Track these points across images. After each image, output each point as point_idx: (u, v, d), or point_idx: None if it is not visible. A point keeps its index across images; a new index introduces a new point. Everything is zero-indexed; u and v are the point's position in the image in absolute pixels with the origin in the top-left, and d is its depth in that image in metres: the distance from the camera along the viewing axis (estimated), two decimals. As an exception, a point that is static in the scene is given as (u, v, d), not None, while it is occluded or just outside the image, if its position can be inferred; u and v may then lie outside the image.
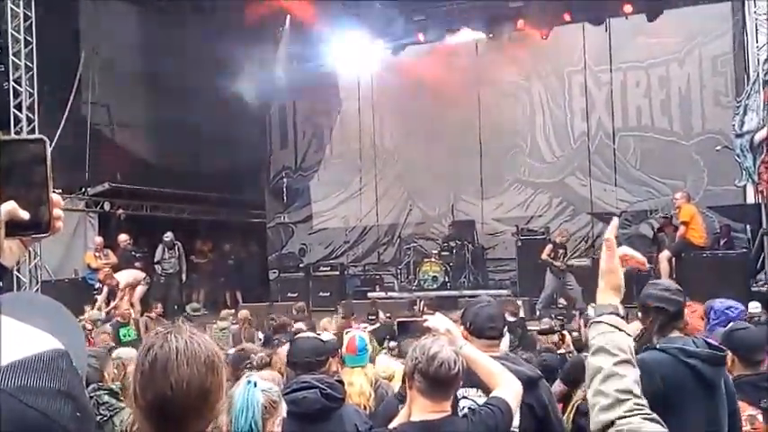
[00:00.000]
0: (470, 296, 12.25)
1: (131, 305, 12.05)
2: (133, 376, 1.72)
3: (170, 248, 14.54)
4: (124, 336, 10.29)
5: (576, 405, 3.91)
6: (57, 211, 1.17)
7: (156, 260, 14.59)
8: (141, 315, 12.02)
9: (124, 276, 12.62)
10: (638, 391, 1.89)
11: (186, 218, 16.78)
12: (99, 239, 13.99)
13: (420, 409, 2.77)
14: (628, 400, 1.85)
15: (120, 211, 14.93)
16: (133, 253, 14.02)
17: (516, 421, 3.16)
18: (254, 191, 19.13)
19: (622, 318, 2.03)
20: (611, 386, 1.87)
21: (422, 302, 12.43)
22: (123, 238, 14.13)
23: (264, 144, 19.34)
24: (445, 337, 2.96)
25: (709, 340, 3.42)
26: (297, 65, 18.63)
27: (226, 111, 16.89)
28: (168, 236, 14.56)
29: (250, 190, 18.98)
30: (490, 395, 2.92)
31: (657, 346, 3.34)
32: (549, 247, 13.38)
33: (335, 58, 18.08)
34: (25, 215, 1.13)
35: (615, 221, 2.19)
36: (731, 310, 4.93)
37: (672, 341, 3.31)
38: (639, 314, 3.59)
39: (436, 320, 3.19)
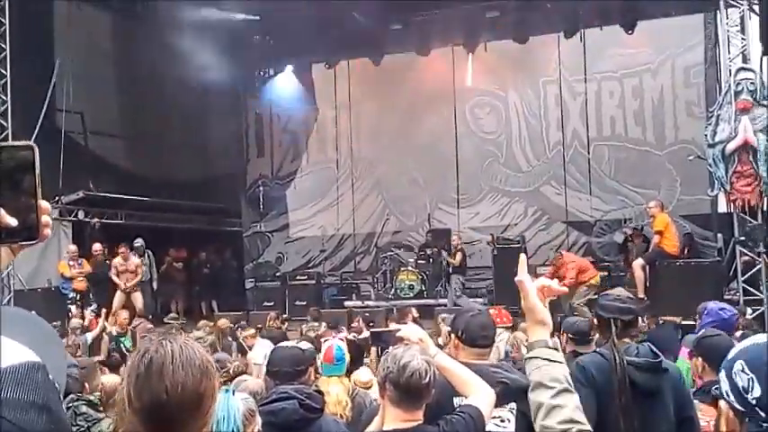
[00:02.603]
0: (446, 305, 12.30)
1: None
2: (126, 380, 1.71)
3: (140, 256, 14.38)
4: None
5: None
6: (45, 218, 1.17)
7: None
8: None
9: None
10: (579, 416, 1.95)
11: (161, 226, 16.65)
12: (73, 248, 13.84)
13: (392, 418, 2.78)
14: (571, 429, 1.91)
15: (95, 219, 14.75)
16: (107, 262, 13.89)
17: (512, 427, 3.21)
18: (230, 199, 19.03)
19: (554, 348, 2.09)
20: (553, 419, 1.94)
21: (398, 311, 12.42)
22: (97, 246, 14.00)
23: (241, 152, 19.29)
24: (418, 346, 2.97)
25: (655, 349, 3.50)
26: (274, 73, 18.71)
27: (202, 118, 16.85)
28: (138, 242, 14.39)
29: (226, 198, 18.89)
30: (463, 403, 2.93)
31: (598, 351, 3.54)
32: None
33: (312, 65, 18.15)
34: (13, 222, 1.13)
35: (522, 258, 2.25)
36: (724, 311, 5.07)
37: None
38: (596, 322, 3.69)
39: (409, 330, 3.20)
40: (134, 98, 16.15)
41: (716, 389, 1.72)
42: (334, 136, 18.72)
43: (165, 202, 16.67)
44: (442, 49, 16.99)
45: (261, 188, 18.86)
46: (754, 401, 1.59)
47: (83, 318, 12.29)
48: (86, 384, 5.06)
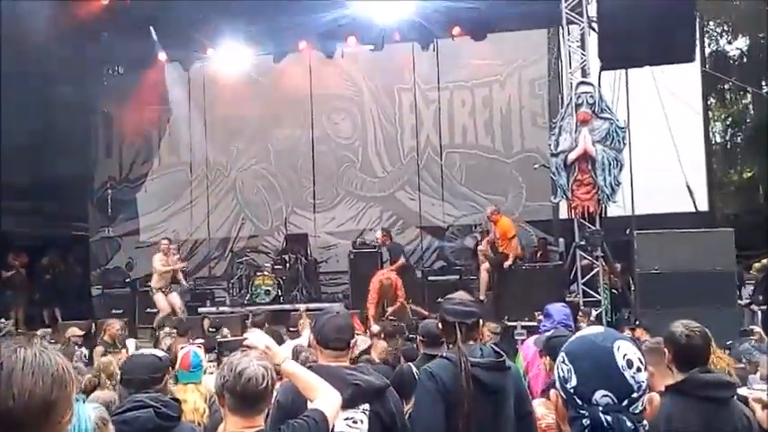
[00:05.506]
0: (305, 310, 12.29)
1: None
2: None
3: None
4: None
5: (408, 413, 4.05)
6: None
7: None
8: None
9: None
10: None
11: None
12: None
13: (232, 425, 2.76)
14: None
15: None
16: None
17: (365, 428, 3.28)
18: (76, 202, 18.13)
19: None
20: None
21: (254, 317, 12.28)
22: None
23: (88, 153, 18.42)
24: (265, 353, 2.97)
25: (497, 348, 3.69)
26: (124, 71, 18.05)
27: (44, 116, 15.96)
28: None
29: (72, 201, 17.96)
30: (309, 407, 2.96)
31: (444, 355, 3.66)
32: None
33: (165, 67, 17.66)
34: None
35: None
36: (557, 311, 5.40)
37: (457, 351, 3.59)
38: (440, 326, 3.80)
39: (255, 338, 3.19)
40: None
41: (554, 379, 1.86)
42: (187, 138, 18.28)
43: (1, 204, 15.66)
44: (299, 53, 17.00)
45: (109, 191, 18.14)
46: (572, 390, 1.72)
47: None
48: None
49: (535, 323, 8.80)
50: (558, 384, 1.78)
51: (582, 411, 1.70)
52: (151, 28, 16.04)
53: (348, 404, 3.14)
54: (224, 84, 17.48)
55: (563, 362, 1.77)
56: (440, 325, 3.83)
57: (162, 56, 17.21)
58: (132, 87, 17.92)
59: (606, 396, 1.68)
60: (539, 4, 13.91)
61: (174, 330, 9.68)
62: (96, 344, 9.93)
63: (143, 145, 18.75)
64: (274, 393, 2.93)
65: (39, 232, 16.81)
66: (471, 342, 3.63)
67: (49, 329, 12.37)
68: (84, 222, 18.25)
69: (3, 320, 14.05)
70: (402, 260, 13.29)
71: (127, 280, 16.79)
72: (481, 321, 3.84)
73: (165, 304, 12.93)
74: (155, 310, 14.58)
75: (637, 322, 9.48)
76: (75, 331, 10.37)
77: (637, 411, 1.69)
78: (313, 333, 3.57)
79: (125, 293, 15.68)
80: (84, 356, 8.98)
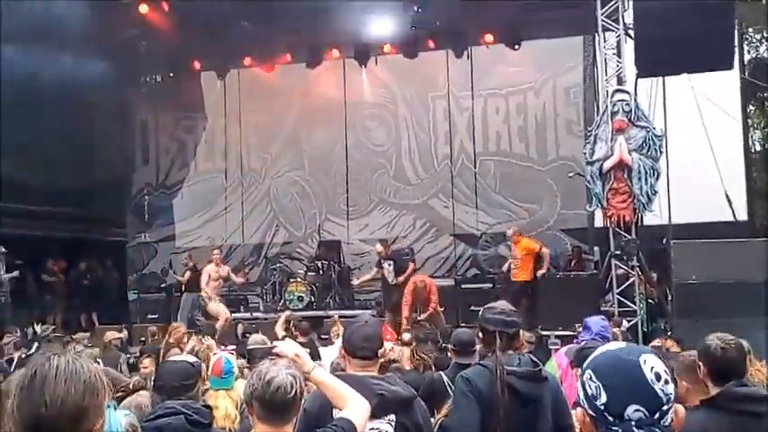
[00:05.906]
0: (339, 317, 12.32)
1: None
2: (13, 394, 1.70)
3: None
4: None
5: (439, 423, 4.02)
6: None
7: None
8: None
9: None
10: None
11: (39, 235, 15.89)
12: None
13: None
14: None
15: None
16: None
17: None
18: (114, 208, 18.36)
19: None
20: None
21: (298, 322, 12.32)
22: (-32, 256, 13.23)
23: (125, 159, 18.65)
24: (294, 361, 2.97)
25: (535, 359, 3.66)
26: (161, 79, 18.29)
27: (83, 124, 16.21)
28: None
29: (110, 207, 18.18)
30: (337, 416, 2.96)
31: (480, 362, 3.65)
32: None
33: (201, 75, 17.86)
34: None
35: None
36: (595, 323, 5.37)
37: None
38: (480, 335, 3.78)
39: (285, 346, 3.19)
40: (9, 100, 15.35)
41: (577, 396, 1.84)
42: (222, 145, 18.46)
43: (42, 209, 15.92)
44: (333, 60, 17.09)
45: (146, 197, 18.37)
46: (602, 407, 1.71)
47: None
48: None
49: (570, 333, 8.72)
50: (584, 402, 1.76)
51: (614, 428, 1.69)
52: (188, 37, 16.29)
53: (374, 414, 3.12)
54: (258, 91, 17.64)
55: (590, 379, 1.76)
56: (480, 334, 3.80)
57: (198, 64, 17.44)
58: (169, 95, 18.18)
59: (638, 411, 1.67)
60: (574, 11, 13.83)
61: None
62: (164, 347, 10.00)
63: (179, 152, 19.00)
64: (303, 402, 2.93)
65: (77, 238, 17.06)
66: (510, 352, 3.61)
67: (87, 334, 12.51)
68: (122, 228, 18.44)
69: (45, 325, 14.27)
70: (412, 265, 13.25)
71: (162, 285, 16.96)
72: (521, 332, 3.81)
73: (223, 310, 12.93)
74: (189, 315, 14.73)
75: (669, 333, 9.33)
76: (114, 335, 10.42)
77: (666, 424, 1.69)
78: (342, 342, 3.56)
79: (161, 298, 15.87)
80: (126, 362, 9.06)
